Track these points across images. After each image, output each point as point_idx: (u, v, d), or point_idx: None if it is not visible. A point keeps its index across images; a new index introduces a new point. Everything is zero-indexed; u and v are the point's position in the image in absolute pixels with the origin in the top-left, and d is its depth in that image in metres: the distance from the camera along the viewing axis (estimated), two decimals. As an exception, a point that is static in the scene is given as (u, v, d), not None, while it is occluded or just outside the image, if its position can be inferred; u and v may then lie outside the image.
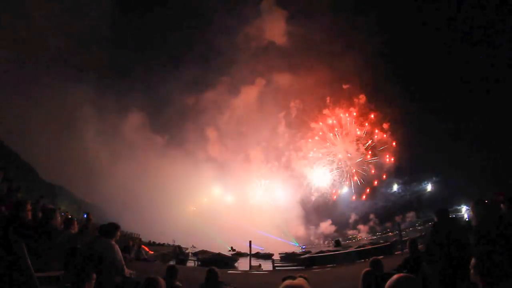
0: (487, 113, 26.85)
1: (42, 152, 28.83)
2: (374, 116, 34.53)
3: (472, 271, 2.05)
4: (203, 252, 21.03)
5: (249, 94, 37.43)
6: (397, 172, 33.65)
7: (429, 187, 32.78)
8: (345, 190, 35.41)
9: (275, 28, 36.99)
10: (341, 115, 35.76)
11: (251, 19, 36.98)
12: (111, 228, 4.30)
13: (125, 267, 4.15)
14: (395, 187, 33.97)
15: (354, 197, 34.81)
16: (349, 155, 34.92)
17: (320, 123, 36.64)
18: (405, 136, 32.11)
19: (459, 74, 28.70)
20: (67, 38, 31.17)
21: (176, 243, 23.68)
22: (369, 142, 34.49)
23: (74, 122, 32.33)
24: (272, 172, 36.85)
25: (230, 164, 37.40)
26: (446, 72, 29.71)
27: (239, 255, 23.00)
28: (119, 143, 33.52)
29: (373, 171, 34.12)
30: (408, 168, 32.93)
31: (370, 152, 34.55)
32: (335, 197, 35.17)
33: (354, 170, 34.61)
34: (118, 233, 4.40)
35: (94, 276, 2.89)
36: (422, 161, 31.81)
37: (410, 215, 32.16)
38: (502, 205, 3.80)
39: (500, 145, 25.64)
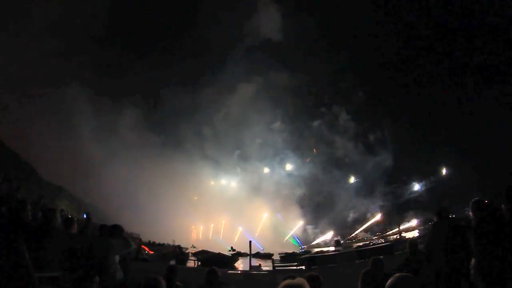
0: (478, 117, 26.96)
1: (42, 152, 28.83)
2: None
3: (472, 271, 2.05)
4: (203, 252, 21.03)
5: (245, 92, 37.62)
6: (395, 172, 33.72)
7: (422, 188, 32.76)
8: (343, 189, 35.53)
9: (271, 24, 37.10)
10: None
11: (247, 16, 37.14)
12: (116, 230, 4.35)
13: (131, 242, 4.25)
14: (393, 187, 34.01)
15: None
16: None
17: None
18: (403, 135, 32.25)
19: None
20: (64, 38, 31.26)
21: (176, 243, 23.70)
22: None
23: (73, 122, 32.40)
24: (270, 170, 37.00)
25: (227, 162, 37.59)
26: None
27: (239, 255, 22.99)
28: (118, 143, 33.58)
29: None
30: (406, 168, 32.99)
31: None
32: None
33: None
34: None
35: (97, 279, 2.90)
36: (419, 161, 31.80)
37: (410, 215, 32.14)
38: (502, 205, 3.79)
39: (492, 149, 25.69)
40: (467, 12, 27.57)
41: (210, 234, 36.44)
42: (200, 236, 36.26)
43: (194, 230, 36.87)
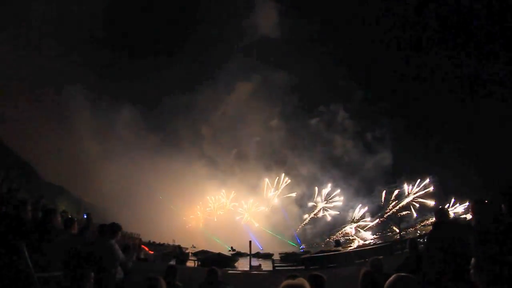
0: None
1: (42, 152, 28.86)
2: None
3: (472, 271, 2.05)
4: (203, 252, 21.05)
5: (243, 90, 37.59)
6: (394, 172, 33.61)
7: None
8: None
9: (268, 23, 37.05)
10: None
11: (245, 14, 37.15)
12: (112, 229, 4.32)
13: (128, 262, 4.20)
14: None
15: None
16: None
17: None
18: (403, 135, 32.20)
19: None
20: (63, 39, 31.32)
21: (176, 243, 23.71)
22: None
23: (73, 123, 32.43)
24: (269, 169, 36.83)
25: (226, 161, 37.55)
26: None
27: (239, 255, 23.02)
28: (117, 143, 33.59)
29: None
30: (405, 168, 32.90)
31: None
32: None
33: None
34: (119, 234, 4.41)
35: (92, 275, 2.90)
36: (418, 161, 31.66)
37: (410, 215, 32.01)
38: (502, 205, 3.79)
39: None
40: (469, 10, 27.59)
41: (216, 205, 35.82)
42: (201, 224, 35.71)
43: (198, 211, 36.21)
